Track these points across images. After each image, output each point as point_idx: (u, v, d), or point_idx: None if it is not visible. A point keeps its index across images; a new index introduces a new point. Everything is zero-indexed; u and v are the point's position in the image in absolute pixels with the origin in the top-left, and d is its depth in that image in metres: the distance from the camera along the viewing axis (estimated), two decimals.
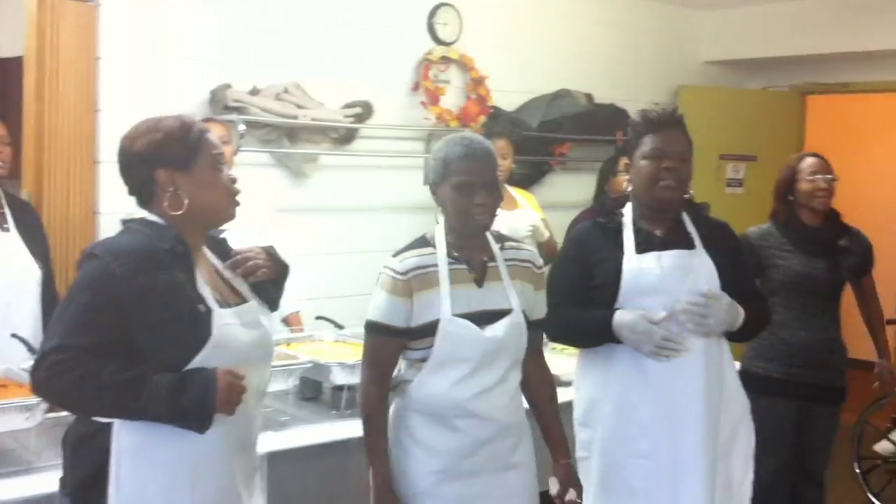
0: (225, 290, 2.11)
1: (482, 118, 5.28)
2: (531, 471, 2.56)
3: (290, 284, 2.30)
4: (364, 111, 4.83)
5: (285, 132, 4.62)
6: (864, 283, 3.81)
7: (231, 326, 2.00)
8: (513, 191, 4.73)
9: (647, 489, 2.66)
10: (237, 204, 2.09)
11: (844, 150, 7.76)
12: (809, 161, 3.64)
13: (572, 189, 5.62)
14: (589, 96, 5.90)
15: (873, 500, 4.88)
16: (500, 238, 2.56)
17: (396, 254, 2.46)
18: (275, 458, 2.71)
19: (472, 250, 2.48)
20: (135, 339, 1.91)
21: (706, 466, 2.65)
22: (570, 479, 2.55)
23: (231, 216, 2.09)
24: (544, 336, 2.74)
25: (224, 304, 2.04)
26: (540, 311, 2.58)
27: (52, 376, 1.85)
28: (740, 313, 2.70)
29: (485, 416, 2.41)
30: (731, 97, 6.87)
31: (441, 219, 2.51)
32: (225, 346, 1.97)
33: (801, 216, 3.61)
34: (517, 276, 2.51)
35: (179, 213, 1.99)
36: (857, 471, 4.96)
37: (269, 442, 2.70)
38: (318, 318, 3.96)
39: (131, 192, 2.06)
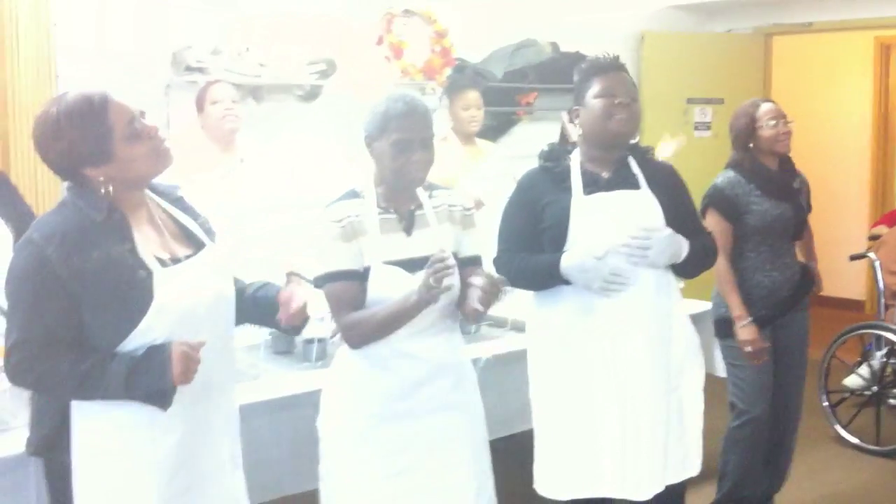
0: (175, 242, 2.13)
1: (447, 70, 5.29)
2: (474, 413, 2.59)
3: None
4: (328, 67, 4.83)
5: (250, 91, 4.62)
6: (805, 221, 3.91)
7: (177, 285, 2.02)
8: (481, 143, 4.74)
9: (599, 422, 2.72)
10: (166, 156, 2.07)
11: (810, 89, 7.84)
12: (767, 107, 3.65)
13: (540, 139, 5.61)
14: (554, 45, 5.89)
15: (842, 432, 4.98)
16: (429, 186, 2.59)
17: (327, 207, 2.49)
18: (246, 410, 2.74)
19: (400, 201, 2.52)
20: (83, 316, 1.96)
21: (657, 396, 2.72)
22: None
23: (161, 169, 2.10)
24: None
25: (173, 260, 2.07)
26: (468, 248, 2.59)
27: (16, 374, 2.00)
28: (683, 244, 2.76)
29: (417, 355, 2.43)
30: (696, 41, 6.89)
31: (372, 171, 2.53)
32: (171, 308, 2.00)
33: (763, 162, 3.66)
34: (445, 219, 2.55)
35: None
36: (826, 404, 5.07)
37: (241, 395, 2.72)
38: (289, 273, 3.98)
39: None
